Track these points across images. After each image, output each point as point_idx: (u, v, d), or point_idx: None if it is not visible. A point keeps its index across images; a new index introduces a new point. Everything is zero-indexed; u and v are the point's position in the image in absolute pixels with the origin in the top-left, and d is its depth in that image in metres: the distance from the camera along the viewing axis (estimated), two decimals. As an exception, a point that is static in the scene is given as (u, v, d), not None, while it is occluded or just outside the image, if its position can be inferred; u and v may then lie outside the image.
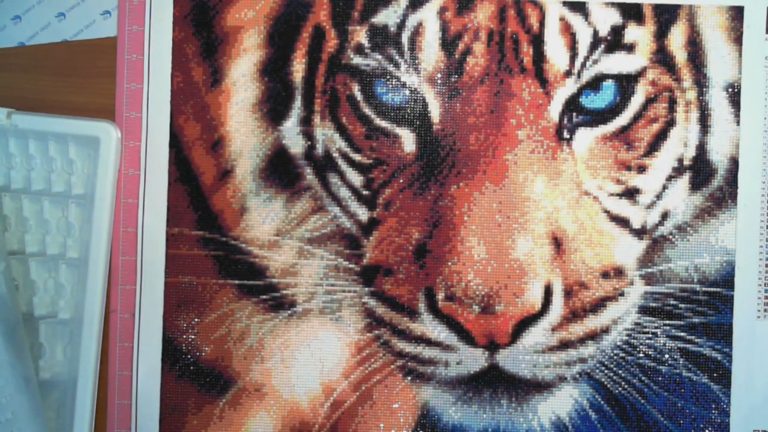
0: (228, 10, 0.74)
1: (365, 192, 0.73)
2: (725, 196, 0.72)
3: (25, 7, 0.76)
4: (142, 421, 0.75)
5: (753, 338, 0.72)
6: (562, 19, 0.72)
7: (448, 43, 0.72)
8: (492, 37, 0.72)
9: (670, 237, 0.72)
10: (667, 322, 0.72)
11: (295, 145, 0.74)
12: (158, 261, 0.75)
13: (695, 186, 0.72)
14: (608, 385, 0.72)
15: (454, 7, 0.72)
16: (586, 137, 0.72)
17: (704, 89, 0.72)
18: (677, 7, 0.72)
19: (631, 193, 0.72)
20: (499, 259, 0.72)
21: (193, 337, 0.75)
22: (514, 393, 0.72)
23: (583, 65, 0.72)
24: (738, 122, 0.72)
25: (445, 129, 0.73)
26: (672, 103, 0.72)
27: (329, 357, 0.74)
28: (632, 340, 0.72)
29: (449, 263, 0.72)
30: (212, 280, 0.74)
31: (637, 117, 0.72)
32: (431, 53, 0.72)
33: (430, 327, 0.72)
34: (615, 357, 0.72)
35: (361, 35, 0.73)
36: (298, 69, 0.74)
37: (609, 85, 0.72)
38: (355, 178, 0.73)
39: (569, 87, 0.72)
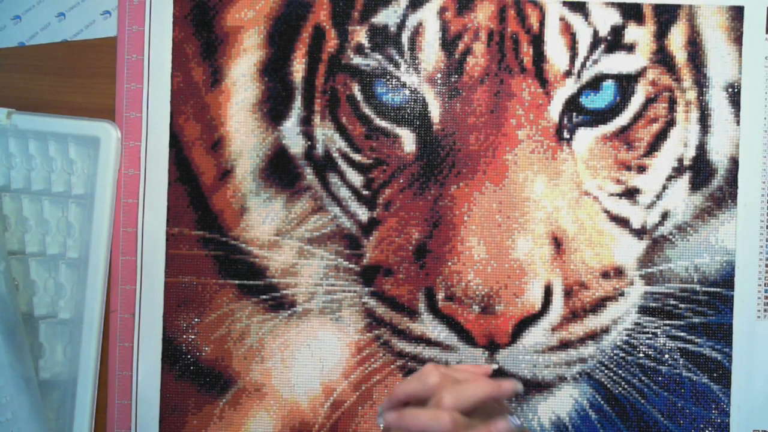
0: (228, 10, 0.74)
1: (365, 192, 0.73)
2: (725, 196, 0.72)
3: (25, 7, 0.76)
4: (142, 421, 0.75)
5: (753, 338, 0.72)
6: (562, 19, 0.72)
7: (448, 43, 0.72)
8: (492, 37, 0.72)
9: (670, 237, 0.72)
10: (667, 322, 0.72)
11: (295, 145, 0.74)
12: (158, 261, 0.75)
13: (695, 186, 0.72)
14: (608, 385, 0.72)
15: (454, 7, 0.72)
16: (586, 137, 0.72)
17: (704, 89, 0.72)
18: (677, 7, 0.72)
19: (631, 193, 0.72)
20: (499, 259, 0.72)
21: (193, 337, 0.75)
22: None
23: (583, 65, 0.72)
24: (738, 122, 0.72)
25: (445, 129, 0.73)
26: (672, 103, 0.72)
27: (329, 357, 0.74)
28: (632, 340, 0.72)
29: (449, 263, 0.72)
30: (212, 280, 0.74)
31: (637, 117, 0.72)
32: (431, 53, 0.72)
33: (430, 327, 0.72)
34: (615, 357, 0.72)
35: (361, 35, 0.73)
36: (298, 69, 0.74)
37: (609, 85, 0.72)
38: (355, 178, 0.73)
39: (569, 87, 0.72)
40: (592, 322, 0.72)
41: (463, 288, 0.72)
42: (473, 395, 0.57)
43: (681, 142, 0.72)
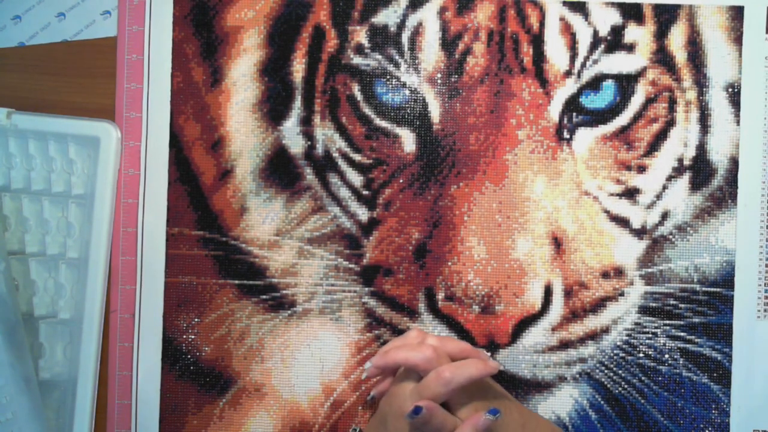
0: (228, 10, 0.74)
1: (365, 192, 0.73)
2: (725, 196, 0.72)
3: (25, 7, 0.76)
4: (142, 421, 0.75)
5: (753, 338, 0.72)
6: (562, 19, 0.72)
7: (448, 43, 0.72)
8: (492, 37, 0.72)
9: (670, 237, 0.72)
10: (667, 322, 0.72)
11: (295, 145, 0.74)
12: (158, 261, 0.75)
13: (695, 186, 0.72)
14: (608, 385, 0.72)
15: (454, 7, 0.72)
16: (586, 137, 0.72)
17: (704, 89, 0.72)
18: (677, 7, 0.72)
19: (631, 193, 0.72)
20: (499, 259, 0.72)
21: (193, 337, 0.75)
22: (514, 393, 0.72)
23: (583, 65, 0.72)
24: (738, 122, 0.72)
25: (445, 129, 0.73)
26: (672, 103, 0.72)
27: (329, 357, 0.74)
28: (632, 340, 0.72)
29: (449, 263, 0.72)
30: (212, 280, 0.74)
31: (637, 117, 0.72)
32: (431, 53, 0.72)
33: (430, 327, 0.72)
34: (615, 357, 0.72)
35: (361, 35, 0.73)
36: (298, 69, 0.74)
37: (609, 85, 0.72)
38: (355, 178, 0.73)
39: (569, 87, 0.72)
40: (592, 322, 0.72)
41: (463, 288, 0.72)
42: (457, 346, 0.65)
43: (681, 142, 0.72)
